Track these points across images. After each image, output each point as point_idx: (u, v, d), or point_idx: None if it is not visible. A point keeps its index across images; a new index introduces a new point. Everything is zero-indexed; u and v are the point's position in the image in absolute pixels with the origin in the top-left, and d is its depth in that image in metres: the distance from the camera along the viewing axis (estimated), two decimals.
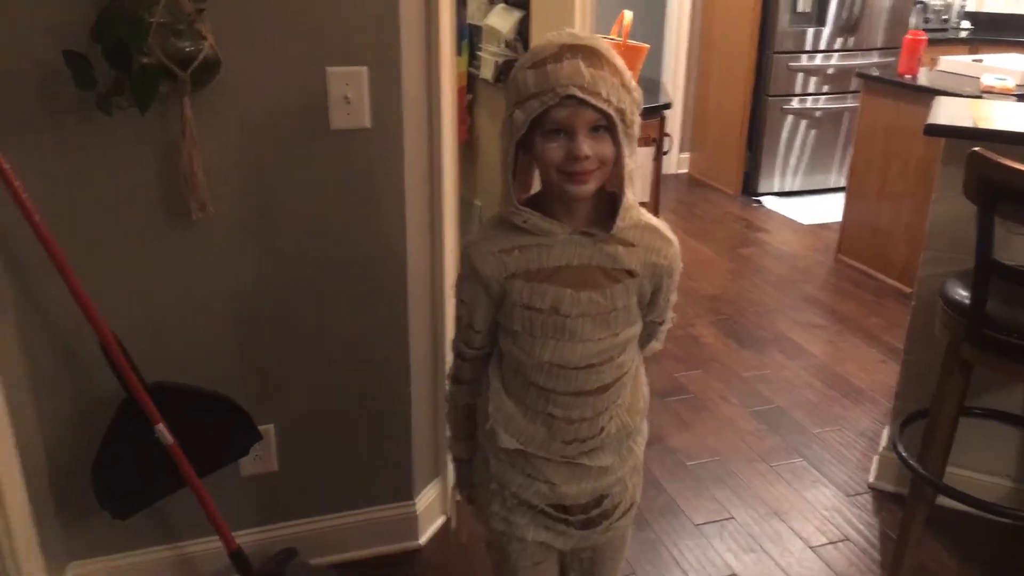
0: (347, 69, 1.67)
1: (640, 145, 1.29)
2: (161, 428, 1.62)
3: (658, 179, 3.19)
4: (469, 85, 3.56)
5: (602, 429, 1.25)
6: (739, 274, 4.02)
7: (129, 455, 1.63)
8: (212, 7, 1.52)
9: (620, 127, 1.10)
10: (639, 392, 1.30)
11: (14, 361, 1.60)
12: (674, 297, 1.28)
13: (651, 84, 3.51)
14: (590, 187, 1.12)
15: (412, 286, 1.87)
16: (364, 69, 1.68)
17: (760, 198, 5.16)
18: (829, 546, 2.13)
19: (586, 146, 1.09)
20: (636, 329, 1.25)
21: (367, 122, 1.71)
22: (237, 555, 1.75)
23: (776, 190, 5.21)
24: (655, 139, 3.02)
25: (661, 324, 1.31)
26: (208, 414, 1.71)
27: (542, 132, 1.11)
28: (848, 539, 2.16)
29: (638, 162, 1.19)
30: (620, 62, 1.12)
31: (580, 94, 1.06)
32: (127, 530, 1.77)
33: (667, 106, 3.08)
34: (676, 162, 5.72)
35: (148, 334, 1.68)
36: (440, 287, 1.95)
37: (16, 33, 1.45)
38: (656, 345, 1.35)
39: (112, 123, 1.51)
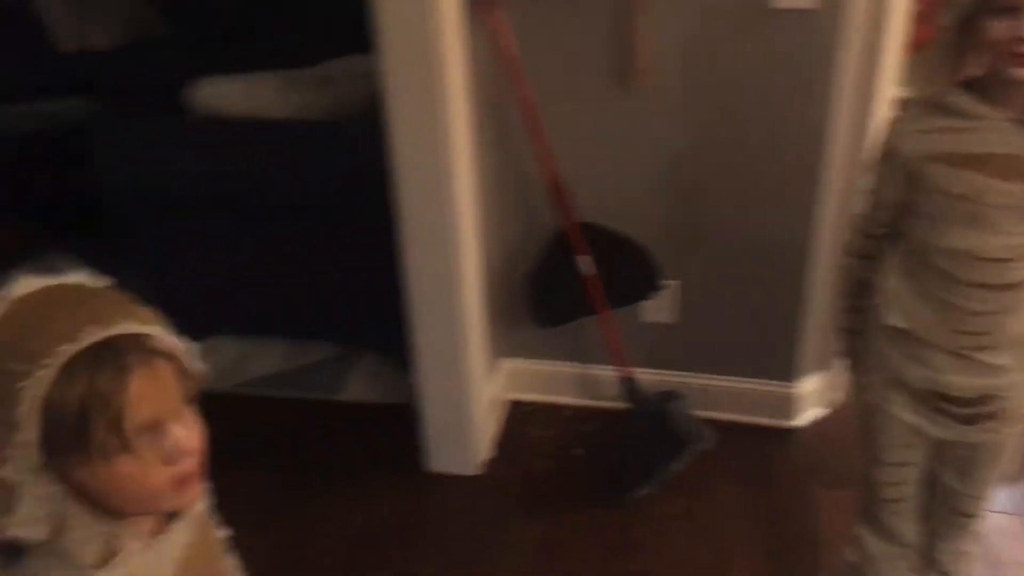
0: None
1: None
2: (584, 259, 1.92)
3: None
4: None
5: (1004, 327, 1.22)
6: None
7: (556, 278, 1.97)
8: None
9: None
10: None
11: (488, 189, 2.00)
12: None
13: None
14: None
15: (826, 172, 1.89)
16: None
17: None
18: None
19: None
20: None
21: (812, 3, 1.74)
22: (628, 380, 2.02)
23: None
24: None
25: None
26: (624, 257, 1.97)
27: (990, 10, 1.08)
28: None
29: None
30: None
31: None
32: (546, 341, 2.16)
33: None
34: None
35: (586, 181, 1.95)
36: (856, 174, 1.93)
37: None
38: None
39: None
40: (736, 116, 1.87)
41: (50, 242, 2.91)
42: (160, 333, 0.76)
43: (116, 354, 0.71)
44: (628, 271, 1.98)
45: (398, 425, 2.12)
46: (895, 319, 1.29)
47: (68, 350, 0.69)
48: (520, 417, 2.24)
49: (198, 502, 0.89)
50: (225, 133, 2.31)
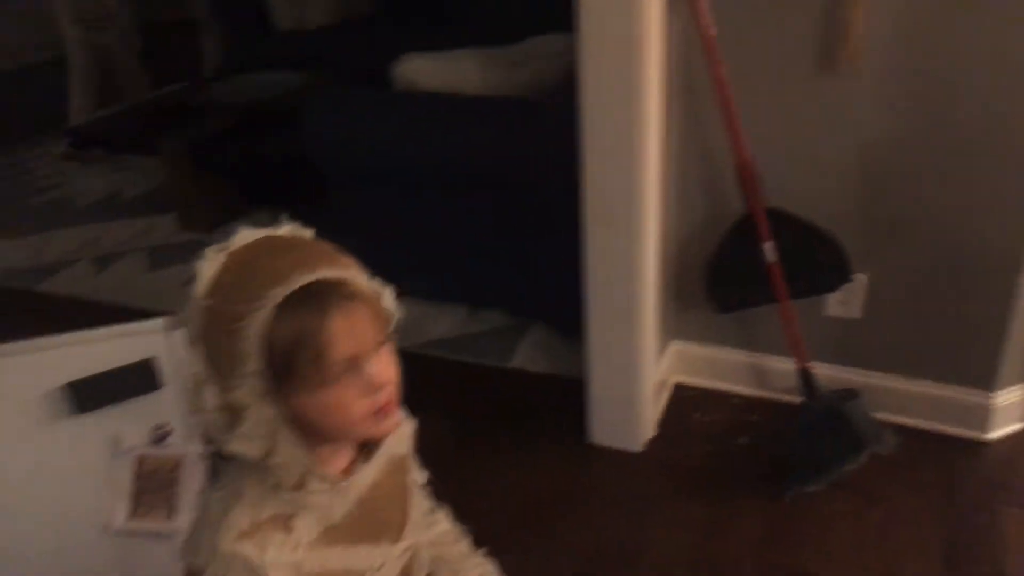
0: None
1: None
2: (768, 246, 1.88)
3: None
4: None
5: None
6: None
7: (738, 262, 1.94)
8: None
9: None
10: None
11: (674, 169, 1.99)
12: None
13: None
14: None
15: None
16: None
17: None
18: None
19: None
20: None
21: None
22: (805, 372, 1.96)
23: None
24: None
25: None
26: (811, 246, 1.91)
27: None
28: None
29: None
30: None
31: None
32: (719, 326, 2.13)
33: None
34: None
35: (777, 165, 1.90)
36: None
37: None
38: None
39: None
40: (953, 106, 1.75)
41: (267, 199, 3.21)
42: (357, 278, 0.85)
43: (319, 297, 0.79)
44: (814, 261, 1.91)
45: (564, 397, 2.17)
46: None
47: (280, 292, 0.78)
48: (686, 401, 2.23)
49: (399, 444, 0.97)
50: (422, 107, 2.44)
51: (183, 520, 1.27)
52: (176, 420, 1.27)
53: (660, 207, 1.93)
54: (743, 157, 1.84)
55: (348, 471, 0.92)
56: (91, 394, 1.20)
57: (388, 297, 0.90)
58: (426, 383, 2.33)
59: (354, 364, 0.82)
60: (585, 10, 1.65)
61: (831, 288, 1.94)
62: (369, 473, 0.93)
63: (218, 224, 3.38)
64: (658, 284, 2.00)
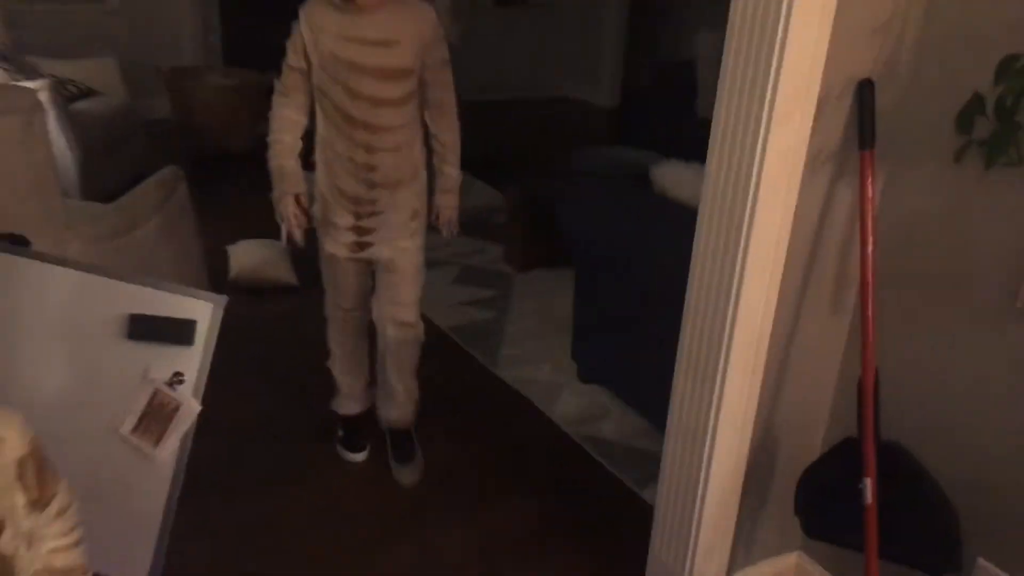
0: None
1: None
2: (867, 483, 1.55)
3: None
4: None
5: None
6: None
7: (834, 486, 1.62)
8: None
9: None
10: None
11: (759, 353, 1.74)
12: None
13: None
14: None
15: None
16: None
17: None
18: None
19: None
20: None
21: None
22: None
23: None
24: None
25: None
26: (921, 506, 1.52)
27: None
28: None
29: None
30: None
31: None
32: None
33: None
34: None
35: (913, 396, 1.55)
36: None
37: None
38: None
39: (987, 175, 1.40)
40: None
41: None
42: None
43: None
44: (920, 525, 1.52)
45: None
46: None
47: None
48: None
49: None
50: (661, 212, 2.44)
51: (163, 452, 1.58)
52: (191, 374, 1.57)
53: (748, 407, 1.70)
54: (868, 376, 1.54)
55: None
56: (143, 328, 1.56)
57: None
58: (552, 467, 2.38)
59: None
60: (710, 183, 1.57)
61: (932, 570, 1.52)
62: None
63: (531, 267, 3.74)
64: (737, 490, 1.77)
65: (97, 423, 1.56)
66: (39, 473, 1.06)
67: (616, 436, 2.59)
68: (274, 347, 2.92)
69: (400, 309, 2.17)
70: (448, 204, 2.17)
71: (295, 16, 1.91)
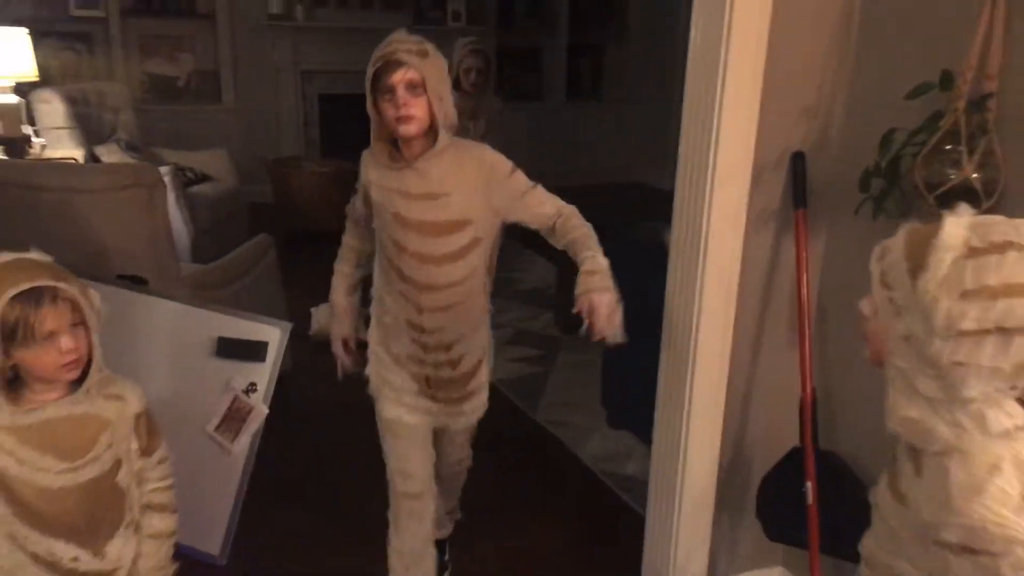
0: None
1: None
2: (808, 486, 1.83)
3: None
4: None
5: None
6: None
7: (782, 492, 1.90)
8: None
9: None
10: None
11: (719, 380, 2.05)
12: None
13: None
14: None
15: None
16: None
17: None
18: None
19: None
20: None
21: None
22: None
23: None
24: None
25: None
26: (854, 506, 1.78)
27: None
28: None
29: None
30: None
31: None
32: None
33: None
34: None
35: (850, 411, 1.84)
36: None
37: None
38: None
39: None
40: None
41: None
42: (65, 286, 1.30)
43: (35, 294, 1.28)
44: (851, 523, 1.78)
45: None
46: None
47: (11, 292, 1.28)
48: None
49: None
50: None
51: (238, 447, 1.99)
52: (262, 383, 1.99)
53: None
54: (806, 393, 1.85)
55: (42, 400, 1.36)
56: (227, 348, 2.00)
57: (92, 297, 1.35)
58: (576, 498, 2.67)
59: (52, 336, 1.29)
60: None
61: (845, 556, 1.77)
62: (62, 406, 1.36)
63: (576, 330, 4.10)
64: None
65: (190, 422, 2.01)
66: (149, 429, 1.49)
67: (637, 473, 2.88)
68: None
69: (456, 449, 2.05)
70: (605, 301, 1.73)
71: None
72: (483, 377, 1.91)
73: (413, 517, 1.90)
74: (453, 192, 1.71)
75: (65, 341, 1.31)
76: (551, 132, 7.07)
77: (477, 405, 1.91)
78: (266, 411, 2.01)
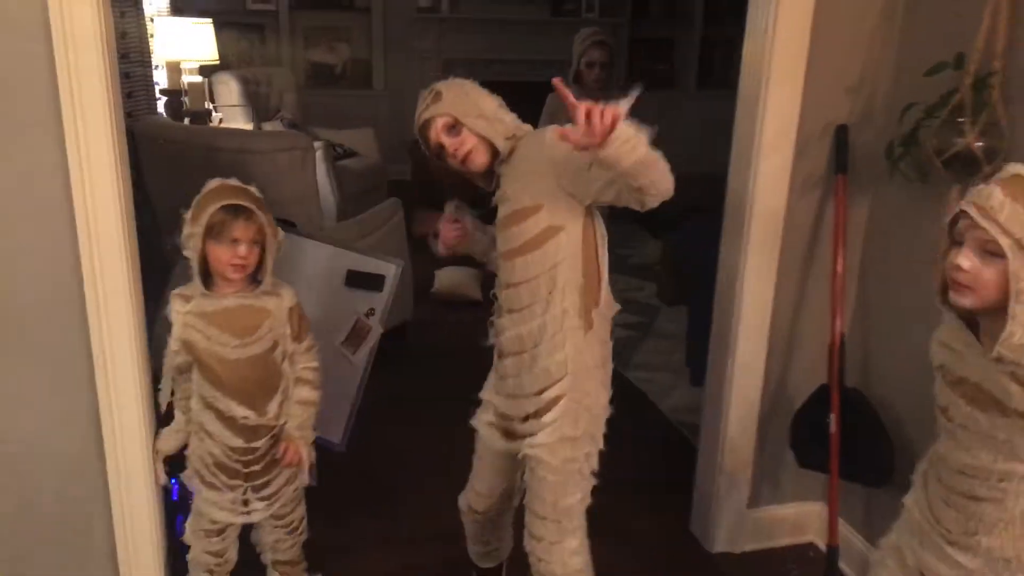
0: None
1: None
2: (832, 418, 2.08)
3: None
4: None
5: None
6: None
7: (811, 423, 2.16)
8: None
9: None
10: None
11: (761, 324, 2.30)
12: None
13: None
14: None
15: None
16: None
17: None
18: None
19: None
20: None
21: None
22: (831, 550, 2.07)
23: None
24: None
25: None
26: (867, 438, 2.03)
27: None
28: None
29: None
30: None
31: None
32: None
33: None
34: None
35: (869, 349, 2.07)
36: None
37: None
38: None
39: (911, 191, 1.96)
40: None
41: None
42: (255, 208, 1.76)
43: (231, 210, 1.74)
44: (865, 451, 2.02)
45: None
46: None
47: (221, 202, 1.75)
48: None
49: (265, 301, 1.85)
50: None
51: (358, 358, 2.44)
52: (379, 308, 2.42)
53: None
54: (836, 335, 2.10)
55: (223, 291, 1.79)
56: (355, 279, 2.44)
57: (277, 231, 1.78)
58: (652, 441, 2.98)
59: (236, 242, 1.71)
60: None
61: (872, 484, 2.01)
62: (238, 298, 1.79)
63: (676, 302, 4.38)
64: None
65: (324, 336, 2.47)
66: (300, 320, 1.93)
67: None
68: (458, 341, 3.83)
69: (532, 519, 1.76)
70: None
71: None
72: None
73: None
74: (523, 182, 1.64)
75: (241, 249, 1.73)
76: (682, 120, 7.26)
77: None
78: (381, 330, 2.45)
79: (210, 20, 4.71)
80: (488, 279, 1.85)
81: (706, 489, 2.44)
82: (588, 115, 1.26)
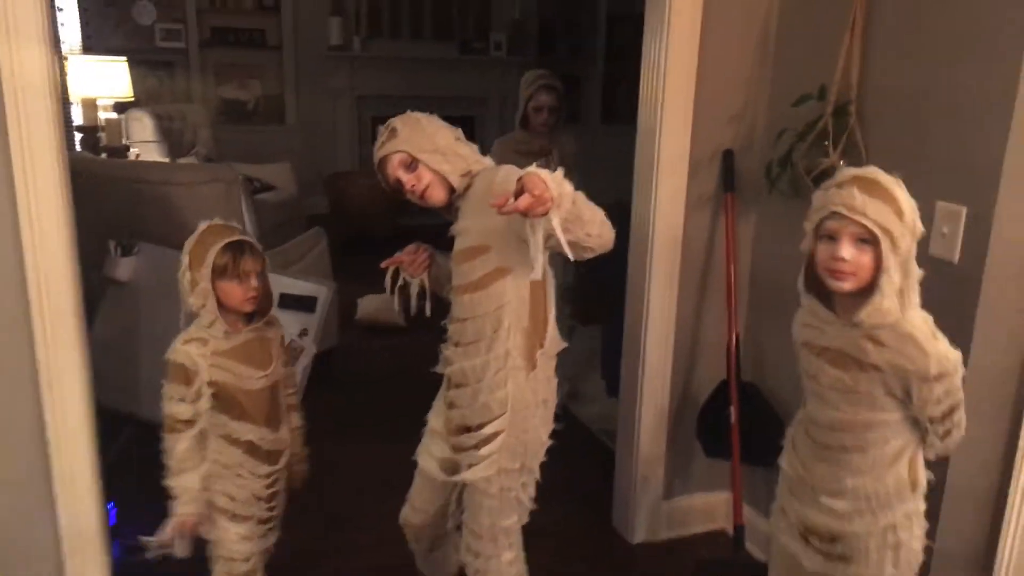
0: (950, 206, 1.84)
1: None
2: (732, 410, 2.32)
3: None
4: None
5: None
6: None
7: (714, 416, 2.40)
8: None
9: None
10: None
11: (667, 332, 2.55)
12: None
13: None
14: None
15: None
16: (963, 209, 1.81)
17: None
18: None
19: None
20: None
21: (955, 257, 1.83)
22: (738, 528, 2.30)
23: None
24: None
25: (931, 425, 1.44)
26: (762, 425, 2.27)
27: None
28: None
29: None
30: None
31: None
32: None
33: None
34: None
35: (762, 349, 2.33)
36: None
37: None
38: (937, 444, 1.47)
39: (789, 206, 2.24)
40: None
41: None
42: (252, 243, 1.86)
43: (234, 247, 1.82)
44: (761, 437, 2.27)
45: None
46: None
47: (224, 240, 1.83)
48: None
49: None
50: None
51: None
52: (312, 329, 2.56)
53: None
54: (732, 334, 2.35)
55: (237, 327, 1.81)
56: (287, 301, 2.58)
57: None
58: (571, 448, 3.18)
59: (247, 276, 1.76)
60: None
61: (769, 464, 2.25)
62: (252, 331, 1.82)
63: (590, 322, 4.63)
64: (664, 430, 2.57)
65: None
66: (288, 347, 2.04)
67: None
68: (383, 368, 3.96)
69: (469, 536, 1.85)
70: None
71: None
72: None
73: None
74: (474, 219, 1.68)
75: (253, 282, 1.77)
76: (589, 153, 7.60)
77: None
78: (315, 350, 2.59)
79: (124, 58, 4.76)
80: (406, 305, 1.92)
81: (625, 485, 2.64)
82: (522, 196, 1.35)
